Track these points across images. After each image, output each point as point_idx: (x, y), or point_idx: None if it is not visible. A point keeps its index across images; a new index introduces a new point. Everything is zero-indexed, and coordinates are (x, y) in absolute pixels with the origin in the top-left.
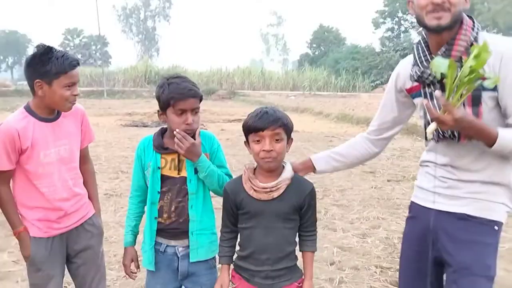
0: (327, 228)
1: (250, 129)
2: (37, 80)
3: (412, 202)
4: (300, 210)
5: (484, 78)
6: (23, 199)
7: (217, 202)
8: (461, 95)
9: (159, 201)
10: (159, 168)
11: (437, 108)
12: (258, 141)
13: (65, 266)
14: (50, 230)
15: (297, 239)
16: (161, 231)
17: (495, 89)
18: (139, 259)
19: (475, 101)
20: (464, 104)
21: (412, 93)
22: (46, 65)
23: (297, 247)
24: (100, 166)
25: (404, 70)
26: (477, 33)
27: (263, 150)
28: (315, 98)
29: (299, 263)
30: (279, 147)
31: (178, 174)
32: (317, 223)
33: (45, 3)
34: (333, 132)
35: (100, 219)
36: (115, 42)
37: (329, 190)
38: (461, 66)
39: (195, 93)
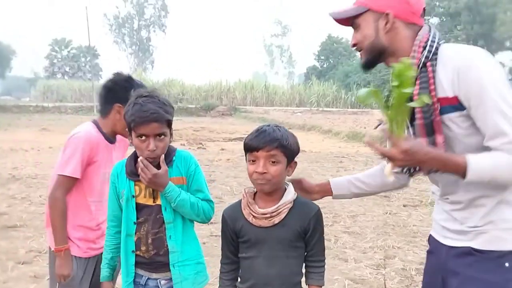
0: (337, 258)
1: (246, 148)
2: (118, 104)
3: (430, 235)
4: (304, 236)
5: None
6: (71, 215)
7: (217, 229)
8: (401, 124)
9: (135, 233)
10: (133, 196)
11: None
12: (253, 161)
13: None
14: (89, 250)
15: (303, 270)
16: (141, 264)
17: (461, 108)
18: None
19: (428, 130)
20: (417, 133)
21: None
22: (128, 92)
23: (303, 279)
24: None
25: None
26: (435, 48)
27: (256, 172)
28: (323, 115)
29: None
30: (274, 170)
31: (154, 202)
32: (325, 251)
33: (31, 12)
34: (343, 152)
35: None
36: (106, 53)
37: (339, 216)
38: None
39: (158, 117)
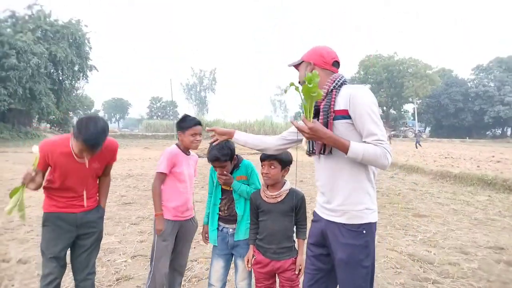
0: None
1: (260, 159)
2: (179, 131)
3: (314, 211)
4: (295, 209)
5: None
6: (167, 194)
7: None
8: (310, 110)
9: (220, 203)
10: (220, 185)
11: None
12: (262, 167)
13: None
14: (176, 217)
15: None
16: (220, 219)
17: (347, 117)
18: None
19: (324, 125)
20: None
21: None
22: (180, 124)
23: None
24: None
25: None
26: (340, 83)
27: (263, 172)
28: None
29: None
30: (273, 171)
31: (229, 188)
32: (306, 220)
33: (138, 78)
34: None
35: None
36: (181, 105)
37: (314, 197)
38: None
39: (217, 159)
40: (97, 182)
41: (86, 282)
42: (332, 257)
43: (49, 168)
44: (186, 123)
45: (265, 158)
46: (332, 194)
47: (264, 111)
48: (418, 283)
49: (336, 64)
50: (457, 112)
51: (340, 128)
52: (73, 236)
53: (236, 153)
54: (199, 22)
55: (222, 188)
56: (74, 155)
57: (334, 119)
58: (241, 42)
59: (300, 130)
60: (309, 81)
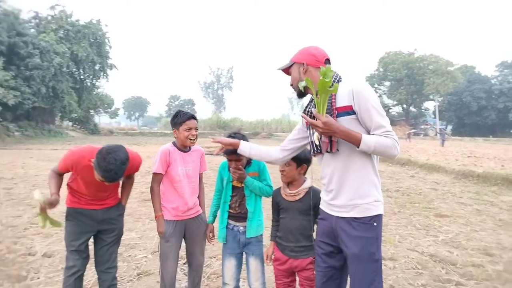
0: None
1: None
2: (173, 129)
3: (320, 208)
4: (314, 208)
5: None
6: (165, 195)
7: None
8: (323, 105)
9: (230, 201)
10: (231, 181)
11: (310, 136)
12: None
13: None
14: (177, 216)
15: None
16: (230, 217)
17: (351, 113)
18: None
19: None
20: None
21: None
22: (173, 120)
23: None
24: None
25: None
26: (336, 81)
27: (280, 170)
28: None
29: None
30: (288, 169)
31: (241, 185)
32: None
33: (157, 79)
34: None
35: (205, 216)
36: (199, 103)
37: None
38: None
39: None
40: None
41: (107, 275)
42: (345, 253)
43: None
44: (179, 119)
45: None
46: (340, 190)
47: (281, 109)
48: (440, 284)
49: (328, 62)
50: (480, 110)
51: (345, 124)
52: (94, 230)
53: None
54: (217, 20)
55: (232, 185)
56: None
57: (337, 116)
58: (258, 40)
59: (313, 125)
60: (325, 75)
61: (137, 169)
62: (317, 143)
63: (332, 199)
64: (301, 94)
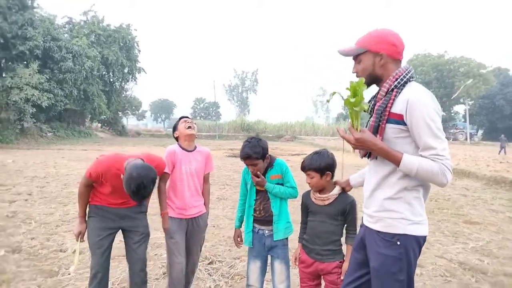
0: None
1: (301, 168)
2: (174, 132)
3: (362, 217)
4: (344, 214)
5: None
6: (170, 193)
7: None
8: (357, 121)
9: (254, 204)
10: (255, 186)
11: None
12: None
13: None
14: (181, 214)
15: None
16: (256, 221)
17: (401, 123)
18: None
19: (374, 131)
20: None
21: None
22: (175, 126)
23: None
24: (213, 181)
25: None
26: (404, 81)
27: (307, 182)
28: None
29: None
30: (313, 181)
31: (263, 189)
32: (356, 225)
33: (183, 82)
34: (359, 163)
35: (207, 217)
36: (224, 106)
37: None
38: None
39: (249, 157)
40: None
41: (138, 278)
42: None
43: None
44: (176, 123)
45: (302, 169)
46: (371, 199)
47: (305, 111)
48: None
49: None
50: None
51: (389, 132)
52: (117, 227)
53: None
54: (242, 22)
55: (256, 189)
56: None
57: (387, 121)
58: (283, 43)
59: (346, 140)
60: (353, 93)
61: (160, 173)
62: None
63: (365, 206)
64: (368, 84)
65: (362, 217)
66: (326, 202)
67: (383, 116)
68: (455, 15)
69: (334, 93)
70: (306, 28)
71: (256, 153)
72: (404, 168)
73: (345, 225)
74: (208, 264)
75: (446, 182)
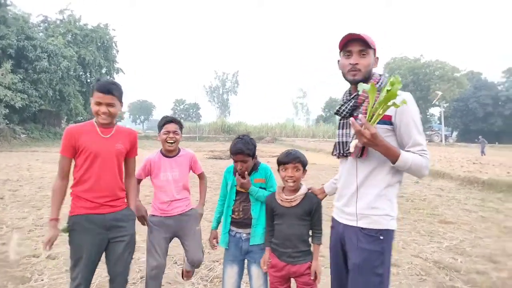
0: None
1: (280, 162)
2: (158, 133)
3: (332, 216)
4: (310, 214)
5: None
6: (155, 194)
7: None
8: (377, 116)
9: (233, 205)
10: (235, 186)
11: (343, 136)
12: (284, 170)
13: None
14: (163, 213)
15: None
16: (233, 223)
17: (388, 123)
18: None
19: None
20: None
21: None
22: (159, 128)
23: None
24: (194, 182)
25: None
26: (382, 86)
27: (288, 176)
28: (327, 143)
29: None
30: (297, 174)
31: (245, 191)
32: (322, 224)
33: (163, 83)
34: (338, 164)
35: (197, 211)
36: (204, 107)
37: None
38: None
39: (242, 152)
40: (123, 180)
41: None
42: (348, 263)
43: (74, 165)
44: (160, 122)
45: (290, 161)
46: (354, 198)
47: (286, 113)
48: None
49: None
50: (486, 116)
51: (378, 131)
52: (105, 239)
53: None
54: (223, 24)
55: (236, 190)
56: (98, 131)
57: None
58: (263, 45)
59: (360, 133)
60: (393, 85)
61: (134, 143)
62: (352, 150)
63: (344, 205)
64: (364, 81)
65: (333, 217)
66: (294, 203)
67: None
68: (431, 19)
69: (373, 84)
70: (286, 30)
71: (248, 149)
72: (401, 163)
73: (311, 224)
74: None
75: (427, 173)
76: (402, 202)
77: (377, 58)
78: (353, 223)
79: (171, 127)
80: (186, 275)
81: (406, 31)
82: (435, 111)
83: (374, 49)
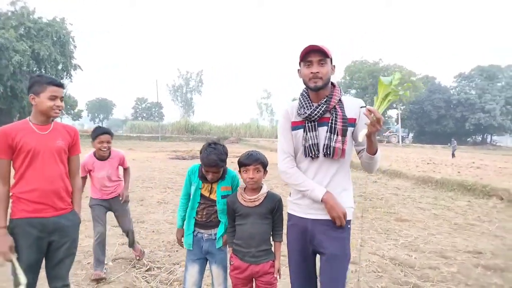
0: None
1: (241, 164)
2: (92, 141)
3: (288, 213)
4: (272, 212)
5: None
6: (94, 185)
7: None
8: (384, 106)
9: (197, 208)
10: (199, 189)
11: (314, 138)
12: (245, 171)
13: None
14: (99, 197)
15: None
16: (196, 224)
17: (353, 125)
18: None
19: (344, 133)
20: (337, 134)
21: (294, 126)
22: (92, 135)
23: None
24: (155, 184)
25: (291, 110)
26: (341, 94)
27: (249, 177)
28: None
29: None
30: (258, 176)
31: (209, 195)
32: (283, 222)
33: (121, 81)
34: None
35: (127, 192)
36: (167, 106)
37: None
38: (334, 108)
39: (217, 165)
40: (67, 180)
41: None
42: (321, 254)
43: (13, 166)
44: (93, 134)
45: (251, 162)
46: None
47: (250, 113)
48: (399, 286)
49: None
50: (440, 119)
51: (348, 134)
52: (46, 244)
53: None
54: (186, 22)
55: (201, 193)
56: (34, 128)
57: (348, 125)
58: (228, 45)
59: (377, 117)
60: (396, 83)
61: (76, 140)
62: (361, 139)
63: (313, 202)
64: (322, 88)
65: (292, 215)
66: (257, 203)
67: (346, 121)
68: (390, 24)
69: (382, 78)
70: (251, 30)
71: (222, 161)
72: (377, 155)
73: (273, 223)
74: (146, 271)
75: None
76: (361, 201)
77: (334, 66)
78: (325, 217)
79: (104, 138)
80: (137, 256)
81: (367, 36)
82: (393, 113)
83: (331, 58)
